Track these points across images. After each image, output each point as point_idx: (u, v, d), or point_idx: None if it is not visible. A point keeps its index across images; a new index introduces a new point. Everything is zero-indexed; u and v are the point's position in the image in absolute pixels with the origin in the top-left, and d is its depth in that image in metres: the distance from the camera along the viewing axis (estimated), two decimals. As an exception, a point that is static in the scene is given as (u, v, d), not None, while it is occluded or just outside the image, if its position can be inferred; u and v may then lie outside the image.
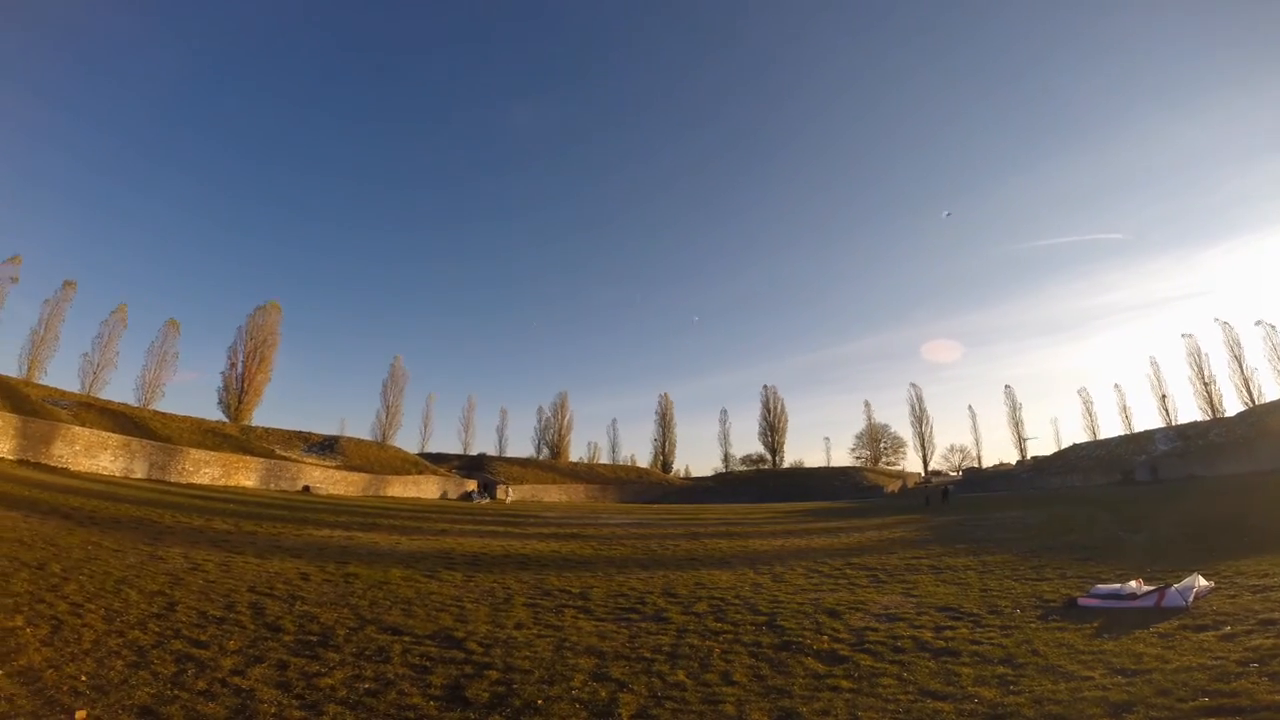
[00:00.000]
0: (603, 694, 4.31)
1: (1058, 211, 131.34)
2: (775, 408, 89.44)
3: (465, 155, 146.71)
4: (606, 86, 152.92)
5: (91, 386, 57.71)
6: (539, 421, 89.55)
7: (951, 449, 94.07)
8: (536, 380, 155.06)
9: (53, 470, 28.74)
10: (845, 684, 4.47)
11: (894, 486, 72.33)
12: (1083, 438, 75.46)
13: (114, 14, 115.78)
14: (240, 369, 62.65)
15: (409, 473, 54.84)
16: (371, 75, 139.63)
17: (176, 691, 4.16)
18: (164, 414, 49.25)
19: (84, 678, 4.23)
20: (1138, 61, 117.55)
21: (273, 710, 3.89)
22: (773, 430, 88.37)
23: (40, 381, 52.06)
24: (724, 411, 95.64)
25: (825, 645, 5.54)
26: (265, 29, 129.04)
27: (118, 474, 32.17)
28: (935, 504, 34.82)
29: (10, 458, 28.46)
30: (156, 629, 5.53)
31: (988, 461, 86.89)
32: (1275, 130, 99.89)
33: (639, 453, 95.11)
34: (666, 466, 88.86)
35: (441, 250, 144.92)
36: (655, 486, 74.70)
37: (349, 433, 62.71)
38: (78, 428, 34.21)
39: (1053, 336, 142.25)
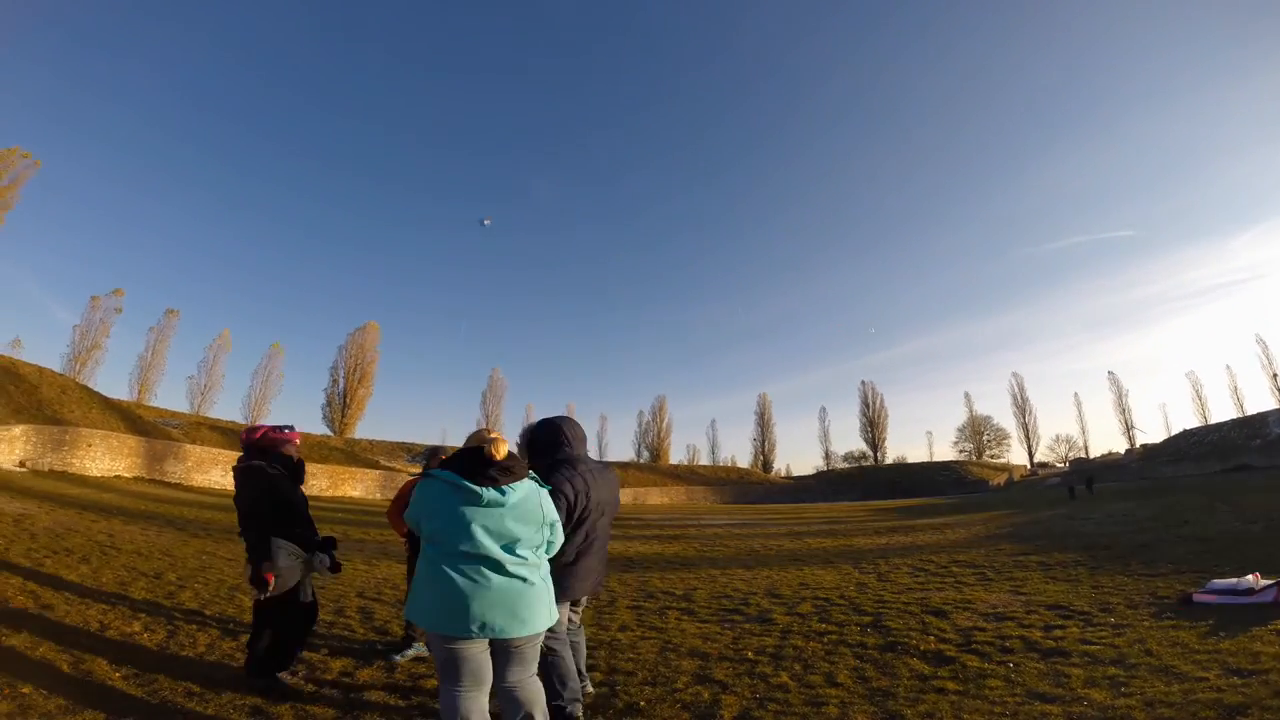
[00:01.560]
0: (705, 696, 4.30)
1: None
2: (874, 403, 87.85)
3: (563, 170, 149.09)
4: (713, 95, 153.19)
5: (200, 407, 61.51)
6: (639, 425, 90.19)
7: (1057, 439, 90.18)
8: (634, 386, 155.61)
9: (167, 485, 30.68)
10: (951, 686, 4.34)
11: (999, 480, 69.87)
12: (1193, 423, 71.69)
13: (220, 47, 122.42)
14: (343, 385, 65.76)
15: (511, 478, 55.92)
16: (460, 94, 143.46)
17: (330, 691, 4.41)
18: (270, 428, 51.88)
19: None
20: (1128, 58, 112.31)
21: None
22: (873, 426, 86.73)
23: (151, 404, 55.54)
24: (823, 409, 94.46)
25: (931, 646, 5.39)
26: (359, 54, 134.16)
27: (228, 487, 33.74)
28: (1081, 495, 33.23)
29: (128, 475, 30.44)
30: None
31: (1095, 451, 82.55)
32: None
33: (739, 453, 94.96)
34: (767, 466, 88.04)
35: (539, 259, 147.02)
36: (756, 486, 74.08)
37: (450, 443, 64.57)
38: (189, 445, 36.41)
39: (1161, 308, 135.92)
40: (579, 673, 4.10)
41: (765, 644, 5.73)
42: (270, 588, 4.32)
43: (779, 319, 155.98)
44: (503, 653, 3.03)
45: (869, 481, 72.59)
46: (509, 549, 3.00)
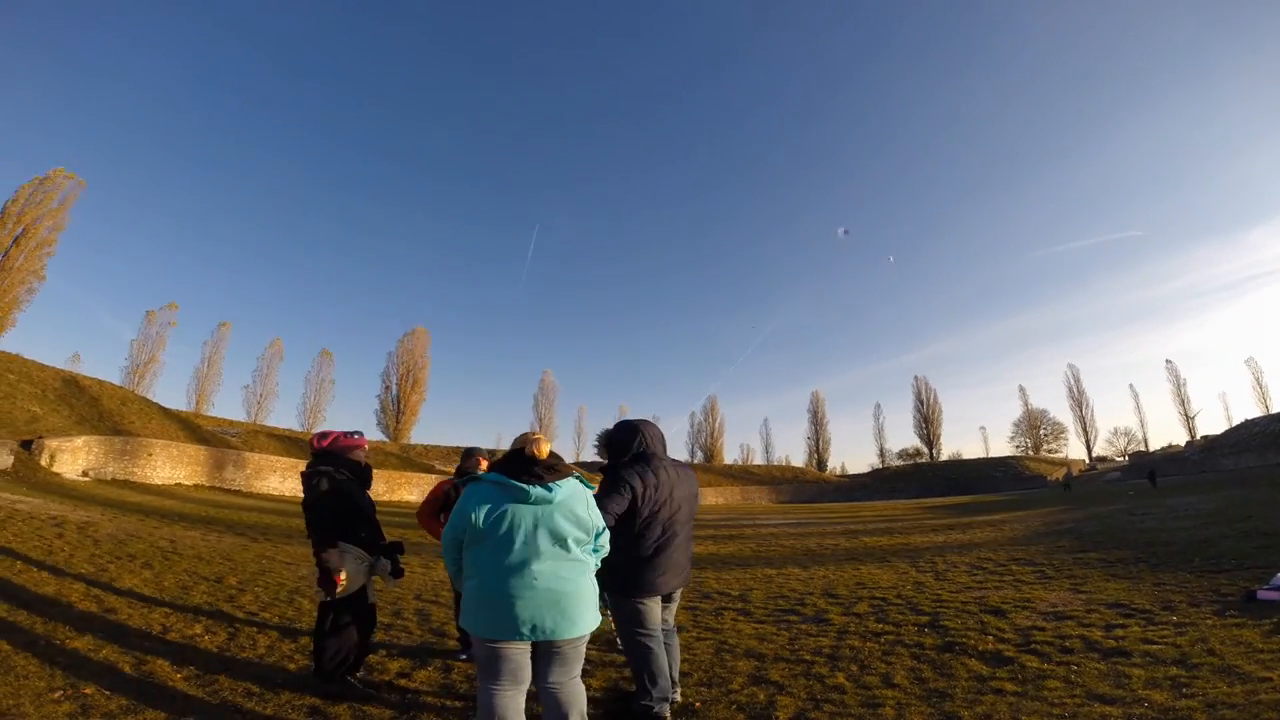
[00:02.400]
0: (761, 697, 4.29)
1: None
2: (928, 399, 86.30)
3: (611, 160, 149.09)
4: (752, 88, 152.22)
5: (256, 415, 63.04)
6: (691, 426, 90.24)
7: (1115, 433, 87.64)
8: (685, 386, 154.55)
9: (227, 492, 31.53)
10: (1009, 687, 4.27)
11: (1057, 475, 67.89)
12: (1254, 412, 69.12)
13: (271, 64, 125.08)
14: (395, 391, 66.86)
15: (567, 481, 56.06)
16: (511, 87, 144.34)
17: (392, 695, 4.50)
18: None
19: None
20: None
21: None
22: (927, 422, 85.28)
23: (208, 413, 57.01)
24: (877, 406, 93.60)
25: (990, 646, 5.29)
26: (413, 53, 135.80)
27: (287, 493, 34.94)
28: (1142, 488, 32.34)
29: (188, 483, 31.32)
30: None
31: (1155, 444, 79.89)
32: None
33: (793, 452, 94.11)
34: (821, 465, 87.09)
35: (588, 261, 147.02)
36: (811, 485, 73.33)
37: (505, 446, 65.20)
38: (247, 453, 37.33)
39: (1214, 297, 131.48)
40: (673, 681, 4.13)
41: (822, 644, 5.69)
42: (339, 590, 4.40)
43: (829, 314, 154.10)
44: (545, 653, 3.03)
45: (925, 479, 71.41)
46: (558, 546, 3.03)
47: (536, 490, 3.03)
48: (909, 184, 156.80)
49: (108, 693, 4.30)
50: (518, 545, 2.98)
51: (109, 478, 27.60)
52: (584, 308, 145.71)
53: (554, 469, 3.14)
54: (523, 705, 3.04)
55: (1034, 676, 4.48)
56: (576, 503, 3.15)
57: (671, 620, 4.35)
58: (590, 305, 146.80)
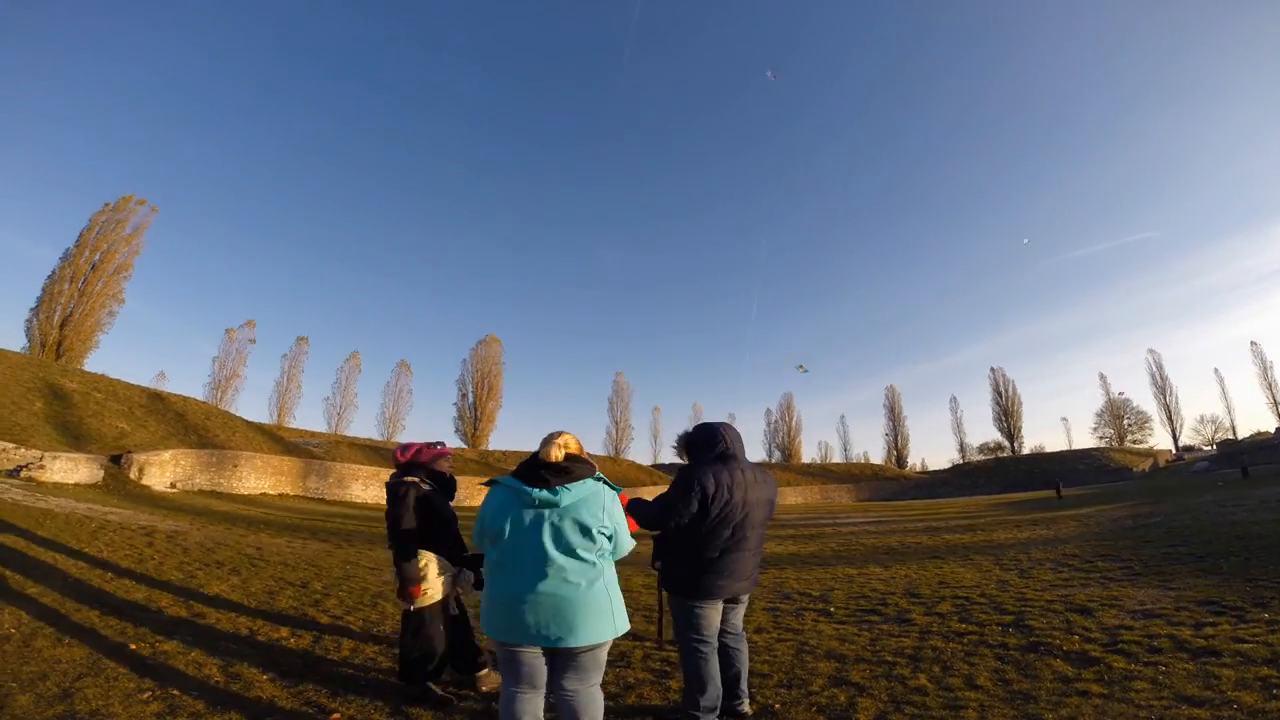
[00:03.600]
0: (841, 699, 4.24)
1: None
2: (1006, 390, 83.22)
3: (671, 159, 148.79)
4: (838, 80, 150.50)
5: (337, 426, 64.69)
6: (767, 424, 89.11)
7: (1202, 420, 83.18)
8: (759, 383, 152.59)
9: (311, 500, 32.36)
10: (1095, 688, 4.13)
11: (1143, 466, 64.81)
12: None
13: (344, 78, 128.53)
14: (472, 399, 67.65)
15: (644, 484, 56.09)
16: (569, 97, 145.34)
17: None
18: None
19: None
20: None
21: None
22: (1007, 415, 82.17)
23: (290, 425, 58.72)
24: (953, 399, 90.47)
25: (1075, 646, 5.13)
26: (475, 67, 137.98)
27: (370, 501, 35.72)
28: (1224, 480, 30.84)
29: (273, 492, 32.19)
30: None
31: (1243, 431, 74.94)
32: None
33: (871, 449, 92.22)
34: (901, 461, 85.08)
35: (659, 257, 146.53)
36: (890, 482, 71.73)
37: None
38: (329, 462, 38.12)
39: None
40: (737, 690, 4.04)
41: (903, 645, 5.60)
42: (416, 601, 4.48)
43: (903, 306, 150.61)
44: (560, 659, 3.00)
45: (1006, 473, 68.78)
46: (564, 551, 2.96)
47: (540, 494, 2.99)
48: (976, 174, 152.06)
49: (194, 694, 4.45)
50: (523, 550, 2.96)
51: (196, 488, 28.25)
52: (653, 307, 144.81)
53: (565, 472, 3.09)
54: (540, 709, 3.05)
55: (1120, 677, 4.33)
56: (589, 506, 3.06)
57: (739, 625, 4.21)
58: (659, 305, 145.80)
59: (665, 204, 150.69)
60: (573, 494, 3.03)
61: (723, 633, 4.04)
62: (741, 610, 4.25)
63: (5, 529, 10.00)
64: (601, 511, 3.08)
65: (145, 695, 4.38)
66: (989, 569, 9.83)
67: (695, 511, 3.81)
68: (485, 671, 4.77)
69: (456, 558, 4.81)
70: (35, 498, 14.51)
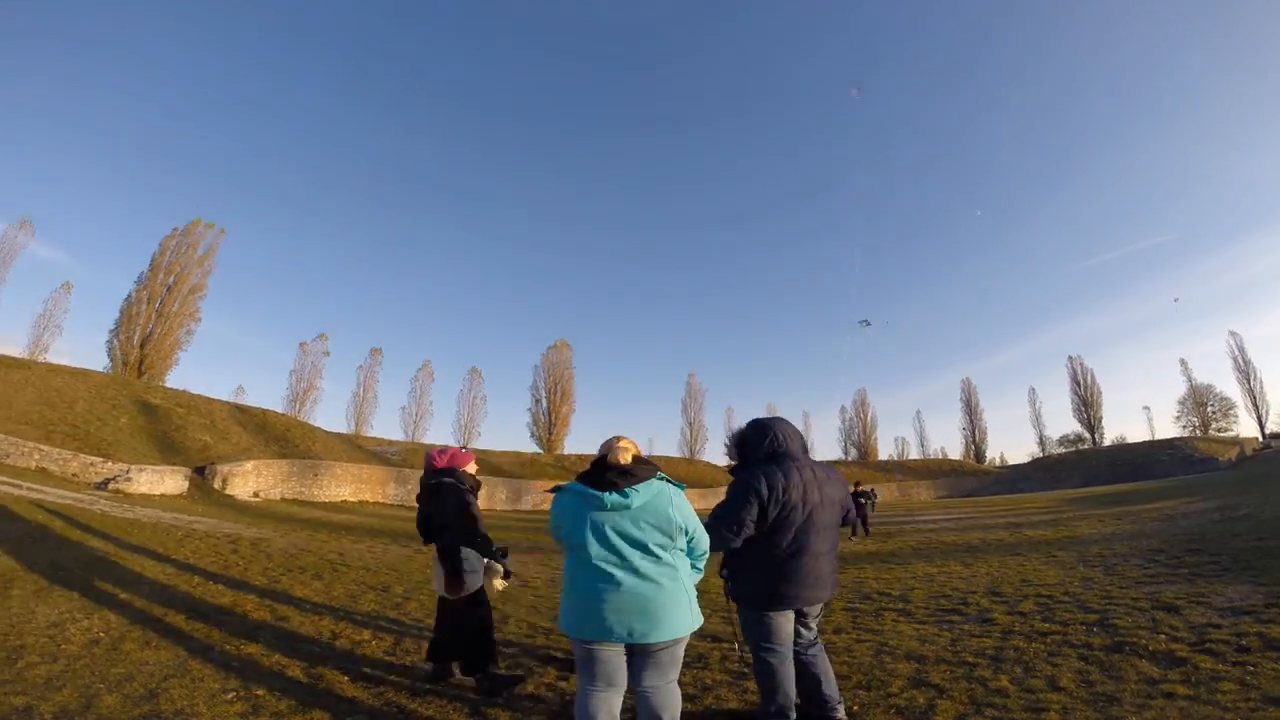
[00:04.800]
0: (920, 700, 4.17)
1: None
2: (1085, 380, 79.74)
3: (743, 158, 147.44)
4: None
5: (414, 434, 65.97)
6: (842, 421, 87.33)
7: (1290, 406, 78.05)
8: (833, 380, 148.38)
9: (391, 506, 33.17)
10: (1180, 690, 3.96)
11: (1230, 455, 61.08)
12: None
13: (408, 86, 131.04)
14: (545, 404, 67.85)
15: (720, 484, 55.65)
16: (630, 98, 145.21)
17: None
18: (483, 451, 54.82)
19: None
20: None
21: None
22: (1086, 405, 78.67)
23: (367, 434, 60.11)
24: (1032, 390, 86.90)
25: (1161, 646, 4.91)
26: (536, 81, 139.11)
27: None
28: None
29: (353, 499, 33.03)
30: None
31: None
32: None
33: (949, 443, 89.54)
34: (979, 456, 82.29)
35: (729, 257, 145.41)
36: (969, 477, 69.60)
37: (657, 451, 65.37)
38: (408, 469, 38.89)
39: None
40: (823, 696, 3.79)
41: (985, 646, 5.45)
42: (464, 590, 4.71)
43: (974, 295, 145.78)
44: (639, 657, 3.02)
45: (1088, 465, 65.66)
46: (639, 551, 3.00)
47: (611, 497, 3.02)
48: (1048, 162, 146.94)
49: (278, 694, 4.55)
50: (599, 551, 2.99)
51: (278, 497, 28.89)
52: (724, 308, 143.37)
53: (631, 474, 3.09)
54: (617, 707, 3.05)
55: (1207, 678, 4.14)
56: (658, 506, 3.08)
57: (816, 631, 3.97)
58: (730, 306, 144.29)
59: (723, 205, 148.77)
60: (642, 495, 3.06)
61: (796, 642, 3.82)
62: (816, 617, 3.97)
63: (96, 537, 10.43)
64: (671, 509, 3.10)
65: (229, 696, 4.49)
66: (1072, 566, 9.48)
67: (754, 519, 3.58)
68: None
69: (488, 552, 4.97)
70: (123, 508, 15.07)
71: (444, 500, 4.98)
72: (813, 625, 3.94)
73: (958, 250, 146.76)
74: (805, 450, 3.89)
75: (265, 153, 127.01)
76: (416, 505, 5.42)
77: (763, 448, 3.78)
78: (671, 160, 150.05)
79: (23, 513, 11.74)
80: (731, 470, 3.95)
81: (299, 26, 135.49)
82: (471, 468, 5.38)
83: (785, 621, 3.69)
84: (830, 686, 3.83)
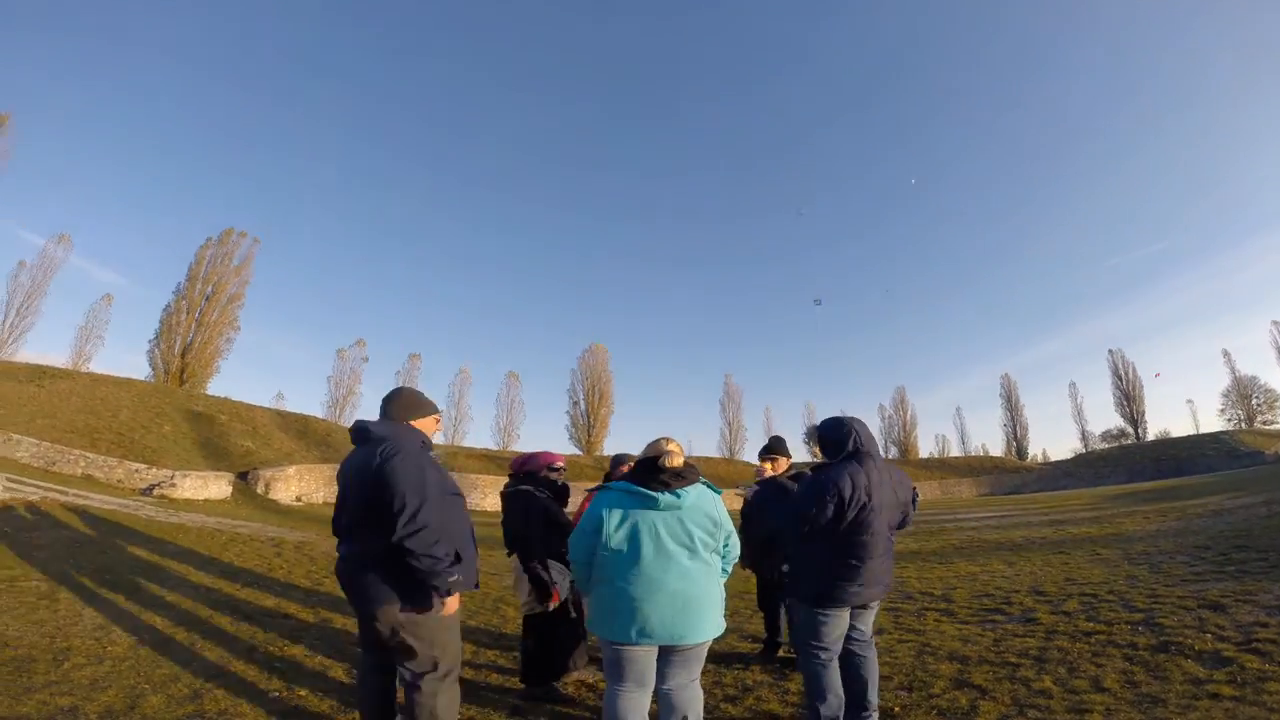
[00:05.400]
0: (963, 702, 4.14)
1: None
2: (1126, 373, 76.60)
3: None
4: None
5: (453, 438, 65.99)
6: (881, 420, 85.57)
7: (1339, 397, 74.98)
8: (869, 378, 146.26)
9: None
10: (1226, 690, 3.87)
11: (1276, 449, 58.88)
12: None
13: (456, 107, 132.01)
14: (584, 406, 67.57)
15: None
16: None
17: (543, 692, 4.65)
18: (519, 454, 55.14)
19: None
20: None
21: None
22: (1129, 400, 75.71)
23: None
24: (1072, 385, 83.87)
25: (1207, 645, 4.79)
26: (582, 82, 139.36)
27: (489, 508, 36.29)
28: None
29: None
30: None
31: None
32: None
33: (990, 440, 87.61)
34: (1021, 452, 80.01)
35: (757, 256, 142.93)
36: (1011, 474, 67.89)
37: (696, 452, 65.03)
38: (449, 473, 39.31)
39: None
40: (864, 701, 3.69)
41: (1028, 646, 5.38)
42: (553, 604, 4.59)
43: (1011, 289, 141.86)
44: (669, 656, 3.01)
45: (1131, 461, 63.23)
46: (686, 551, 3.00)
47: (666, 497, 3.03)
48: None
49: (320, 694, 4.59)
50: (647, 551, 2.97)
51: (321, 501, 28.76)
52: (760, 307, 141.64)
53: (682, 476, 3.10)
54: (646, 707, 3.04)
55: (1254, 679, 4.04)
56: (704, 508, 3.10)
57: (870, 632, 3.85)
58: (765, 305, 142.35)
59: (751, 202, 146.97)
60: (691, 497, 3.08)
61: (850, 640, 3.74)
62: (870, 616, 3.87)
63: (142, 542, 10.73)
64: (715, 511, 3.14)
65: (273, 696, 4.54)
66: (1117, 563, 9.28)
67: (830, 516, 3.54)
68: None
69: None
70: (169, 513, 15.43)
71: (521, 509, 4.87)
72: (868, 624, 3.86)
73: (992, 244, 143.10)
74: (878, 449, 3.86)
75: (298, 159, 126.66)
76: (470, 510, 5.45)
77: (844, 446, 3.75)
78: (701, 154, 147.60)
79: (70, 519, 12.13)
80: (814, 467, 3.94)
81: (331, 24, 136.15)
82: (558, 474, 5.24)
83: (840, 620, 3.63)
84: (873, 692, 3.74)
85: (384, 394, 3.63)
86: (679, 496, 3.05)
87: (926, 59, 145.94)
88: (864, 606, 3.75)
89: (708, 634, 2.99)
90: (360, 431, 3.37)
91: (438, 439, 4.28)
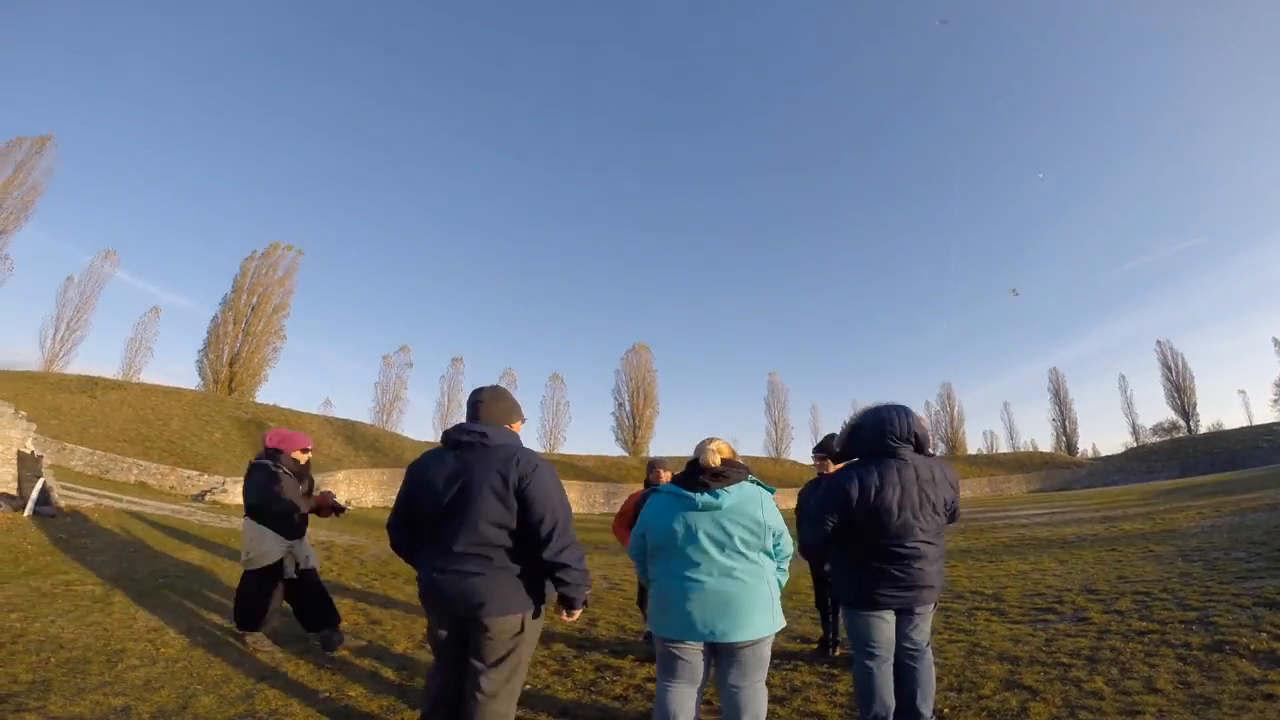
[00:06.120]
0: (1013, 703, 4.08)
1: None
2: (1176, 364, 74.16)
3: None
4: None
5: None
6: (928, 416, 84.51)
7: (1398, 382, 71.20)
8: (916, 375, 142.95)
9: None
10: None
11: None
12: None
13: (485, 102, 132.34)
14: (629, 407, 67.22)
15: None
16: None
17: (593, 696, 4.72)
18: (568, 455, 55.88)
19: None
20: None
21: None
22: (1180, 391, 73.22)
23: None
24: (1122, 377, 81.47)
25: (1263, 645, 4.64)
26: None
27: None
28: None
29: None
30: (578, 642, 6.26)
31: None
32: None
33: (1039, 436, 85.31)
34: (1071, 448, 77.61)
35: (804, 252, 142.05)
36: (1061, 470, 65.81)
37: (743, 451, 64.68)
38: None
39: None
40: (916, 711, 3.51)
41: (1080, 646, 5.27)
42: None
43: (1053, 281, 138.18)
44: (723, 656, 3.04)
45: (1184, 454, 60.39)
46: (725, 551, 3.02)
47: (703, 497, 3.06)
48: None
49: (370, 695, 4.62)
50: (687, 551, 3.04)
51: (370, 505, 29.31)
52: (805, 304, 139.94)
53: (722, 476, 3.11)
54: (693, 703, 3.07)
55: (1311, 678, 3.91)
56: (748, 508, 3.09)
57: (923, 639, 3.58)
58: (810, 303, 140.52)
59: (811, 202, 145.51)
60: (732, 496, 3.08)
61: (900, 648, 3.53)
62: (922, 623, 3.58)
63: (195, 547, 10.98)
64: (760, 511, 3.12)
65: (324, 696, 4.59)
66: (1171, 560, 8.99)
67: (857, 514, 3.36)
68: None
69: (290, 532, 5.84)
70: (220, 518, 15.74)
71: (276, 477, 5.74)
72: (922, 630, 3.60)
73: (1036, 231, 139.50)
74: (923, 443, 3.56)
75: (337, 169, 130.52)
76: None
77: (873, 441, 3.50)
78: (748, 160, 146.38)
79: (123, 524, 12.50)
80: (846, 463, 3.69)
81: (366, 35, 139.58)
82: (300, 453, 6.06)
83: (883, 624, 3.45)
84: (925, 703, 3.54)
85: (476, 392, 3.40)
86: (716, 497, 3.07)
87: (979, 59, 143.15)
88: (910, 612, 3.51)
89: (752, 633, 2.97)
90: (467, 435, 3.18)
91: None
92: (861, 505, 3.35)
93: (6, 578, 7.76)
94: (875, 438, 3.49)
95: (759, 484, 3.23)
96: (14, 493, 12.73)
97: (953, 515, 3.67)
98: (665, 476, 5.50)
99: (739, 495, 3.11)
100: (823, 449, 5.64)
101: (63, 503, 13.07)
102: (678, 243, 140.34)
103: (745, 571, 3.03)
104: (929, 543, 3.47)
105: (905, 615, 3.53)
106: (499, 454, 3.06)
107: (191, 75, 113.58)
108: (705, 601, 2.97)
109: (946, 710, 4.10)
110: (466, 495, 3.05)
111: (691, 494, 3.10)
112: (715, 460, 3.18)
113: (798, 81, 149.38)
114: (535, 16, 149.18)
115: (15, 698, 4.30)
